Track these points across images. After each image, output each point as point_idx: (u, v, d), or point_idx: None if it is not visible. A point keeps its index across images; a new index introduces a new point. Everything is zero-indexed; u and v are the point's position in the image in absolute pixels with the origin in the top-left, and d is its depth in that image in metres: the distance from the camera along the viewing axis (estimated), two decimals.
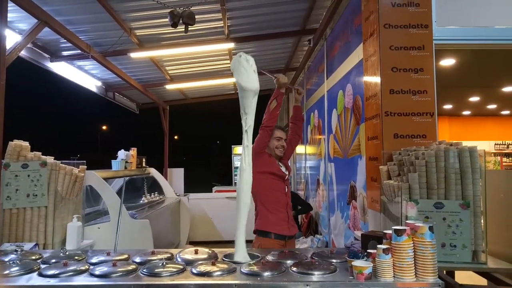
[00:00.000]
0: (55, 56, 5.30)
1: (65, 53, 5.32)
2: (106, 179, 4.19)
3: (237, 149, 12.44)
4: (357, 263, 1.73)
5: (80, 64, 5.95)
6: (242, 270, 1.86)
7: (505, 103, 8.23)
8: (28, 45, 4.43)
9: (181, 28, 3.77)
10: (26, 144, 3.25)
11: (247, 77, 2.19)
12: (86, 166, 3.63)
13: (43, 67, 5.24)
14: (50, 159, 3.25)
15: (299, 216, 6.62)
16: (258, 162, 2.83)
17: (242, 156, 2.27)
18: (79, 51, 4.95)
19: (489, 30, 2.74)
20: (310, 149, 6.32)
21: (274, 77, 2.78)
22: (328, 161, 4.72)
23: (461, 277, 2.28)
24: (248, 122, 2.23)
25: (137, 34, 4.95)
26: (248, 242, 2.20)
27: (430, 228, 1.72)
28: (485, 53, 4.11)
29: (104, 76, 6.68)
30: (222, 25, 4.92)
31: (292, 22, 5.20)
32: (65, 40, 4.55)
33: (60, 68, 5.56)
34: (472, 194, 2.02)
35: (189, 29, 3.71)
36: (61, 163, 3.30)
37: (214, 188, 8.80)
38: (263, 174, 2.79)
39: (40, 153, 3.25)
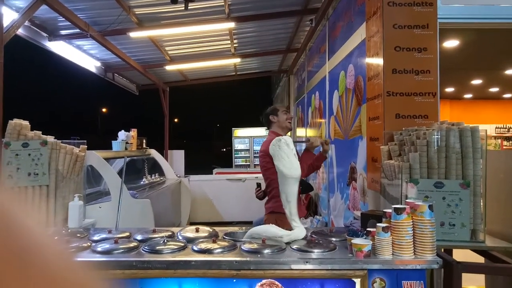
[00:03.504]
0: (54, 35, 5.22)
1: (63, 32, 5.24)
2: (106, 159, 4.19)
3: (237, 132, 12.42)
4: (356, 241, 1.75)
5: (79, 43, 5.88)
6: (242, 247, 1.89)
7: (507, 86, 8.15)
8: (26, 23, 4.36)
9: (181, 6, 3.71)
10: (26, 123, 3.24)
11: (289, 163, 2.06)
12: (86, 146, 3.62)
13: (42, 46, 5.18)
14: (50, 138, 3.24)
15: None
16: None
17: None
18: (77, 30, 4.87)
19: (495, 8, 2.69)
20: (310, 132, 6.31)
21: (307, 142, 2.88)
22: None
23: (458, 255, 2.30)
24: (292, 211, 2.07)
25: (136, 12, 4.87)
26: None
27: (430, 207, 1.73)
28: (489, 34, 4.05)
29: (103, 56, 6.61)
30: (223, 3, 4.82)
31: (293, 1, 5.10)
32: (63, 19, 4.47)
33: (59, 48, 5.49)
34: (472, 174, 2.02)
35: (189, 7, 3.66)
36: (62, 142, 3.30)
37: (215, 170, 8.84)
38: None
39: (40, 132, 3.24)
